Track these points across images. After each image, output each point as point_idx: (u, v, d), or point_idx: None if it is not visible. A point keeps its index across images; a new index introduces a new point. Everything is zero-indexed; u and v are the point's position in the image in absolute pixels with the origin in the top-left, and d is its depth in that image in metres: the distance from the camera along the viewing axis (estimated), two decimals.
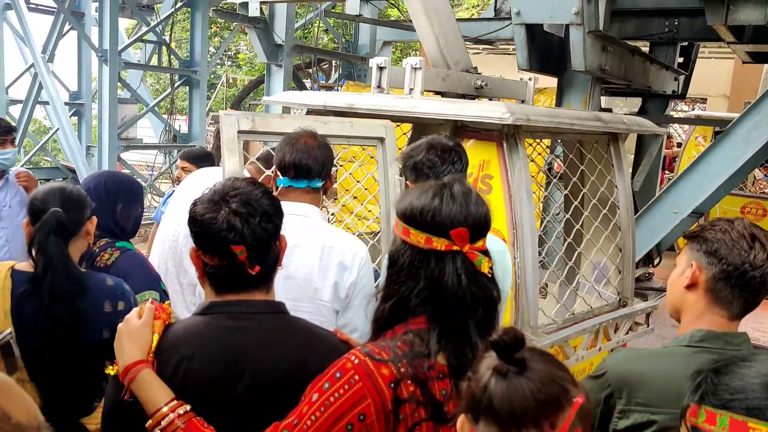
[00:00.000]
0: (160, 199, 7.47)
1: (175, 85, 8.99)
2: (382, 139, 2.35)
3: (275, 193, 1.91)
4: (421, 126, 3.63)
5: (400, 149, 2.37)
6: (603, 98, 6.30)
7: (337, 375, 1.20)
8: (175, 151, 8.90)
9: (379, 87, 2.82)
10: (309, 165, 1.89)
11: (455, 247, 1.23)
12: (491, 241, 2.04)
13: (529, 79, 3.30)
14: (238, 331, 1.33)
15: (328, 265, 1.84)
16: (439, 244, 1.23)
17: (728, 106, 9.77)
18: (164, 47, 8.88)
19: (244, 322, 1.34)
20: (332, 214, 3.73)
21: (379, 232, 2.42)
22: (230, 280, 1.35)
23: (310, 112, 2.86)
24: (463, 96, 3.08)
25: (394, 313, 1.27)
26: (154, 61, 9.44)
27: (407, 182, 2.05)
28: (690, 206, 4.38)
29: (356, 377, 1.19)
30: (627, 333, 2.86)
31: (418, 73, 2.75)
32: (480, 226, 1.28)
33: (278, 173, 1.94)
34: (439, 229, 1.23)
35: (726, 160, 4.01)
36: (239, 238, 1.30)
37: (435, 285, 1.24)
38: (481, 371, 0.95)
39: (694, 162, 4.07)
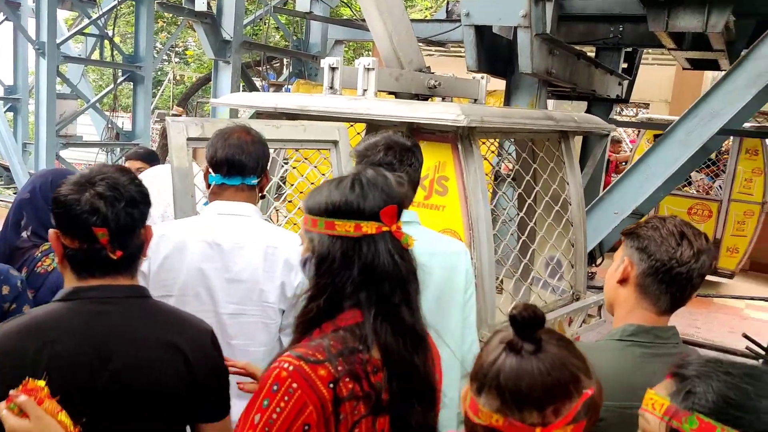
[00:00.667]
0: None
1: (119, 80, 8.70)
2: (335, 142, 2.32)
3: (207, 192, 1.87)
4: (375, 126, 3.61)
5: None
6: (549, 101, 6.43)
7: (275, 388, 1.17)
8: (118, 149, 8.62)
9: (331, 88, 2.79)
10: (243, 161, 1.81)
11: (385, 228, 1.27)
12: (450, 243, 2.08)
13: (482, 78, 3.32)
14: (105, 316, 1.32)
15: (273, 265, 1.80)
16: (369, 227, 1.26)
17: (669, 110, 10.14)
18: (107, 41, 8.58)
19: (110, 307, 1.33)
20: (285, 217, 3.67)
21: None
22: (91, 264, 1.34)
23: (259, 114, 2.80)
24: (416, 96, 3.08)
25: (326, 309, 1.27)
26: (96, 56, 9.12)
27: None
28: (630, 207, 4.50)
29: (294, 385, 1.16)
30: (581, 326, 2.92)
31: (371, 74, 2.72)
32: (401, 205, 1.33)
33: (210, 170, 1.86)
34: (366, 213, 1.26)
35: (665, 162, 4.13)
36: (101, 221, 1.30)
37: (370, 269, 1.26)
38: (494, 343, 0.94)
39: (635, 164, 4.18)
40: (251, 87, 9.85)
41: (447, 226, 2.43)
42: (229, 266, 1.77)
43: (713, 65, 6.14)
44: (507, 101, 4.36)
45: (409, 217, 1.94)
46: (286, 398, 1.16)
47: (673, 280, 1.47)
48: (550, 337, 0.95)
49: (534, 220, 2.86)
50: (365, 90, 2.73)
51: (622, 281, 1.52)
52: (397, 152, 1.92)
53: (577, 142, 6.66)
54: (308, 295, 1.30)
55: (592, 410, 0.93)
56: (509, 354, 0.92)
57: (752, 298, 6.39)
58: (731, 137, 7.31)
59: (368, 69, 2.72)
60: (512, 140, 3.18)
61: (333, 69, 2.78)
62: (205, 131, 2.01)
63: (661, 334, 1.49)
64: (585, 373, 0.94)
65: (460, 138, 2.41)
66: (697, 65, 6.32)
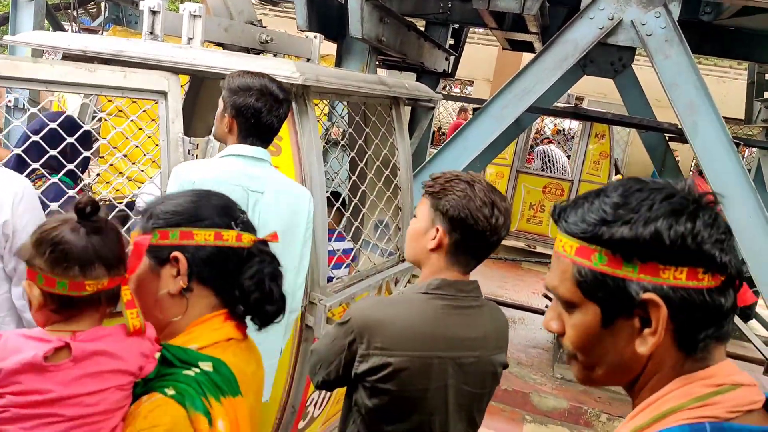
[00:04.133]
0: None
1: None
2: (164, 93, 2.13)
3: None
4: (199, 80, 3.40)
5: None
6: (380, 70, 6.54)
7: None
8: None
9: (151, 33, 2.54)
10: None
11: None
12: (297, 186, 2.16)
13: (315, 37, 3.26)
14: None
15: None
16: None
17: (491, 89, 10.85)
18: None
19: None
20: (98, 174, 3.34)
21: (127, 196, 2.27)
22: None
23: (66, 57, 2.49)
24: (247, 50, 2.93)
25: None
26: None
27: (225, 113, 2.02)
28: None
29: None
30: (405, 285, 3.04)
31: (197, 21, 2.53)
32: None
33: None
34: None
35: (481, 135, 4.39)
36: None
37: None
38: (60, 225, 1.09)
39: (454, 136, 4.40)
40: (59, 31, 8.78)
41: None
42: None
43: (529, 47, 6.65)
44: (338, 65, 4.35)
45: (262, 154, 2.02)
46: None
47: (486, 248, 1.57)
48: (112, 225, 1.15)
49: (365, 184, 2.89)
50: (190, 38, 2.53)
51: (435, 249, 1.57)
52: (269, 101, 1.97)
53: (406, 113, 6.89)
54: None
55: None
56: (71, 231, 1.08)
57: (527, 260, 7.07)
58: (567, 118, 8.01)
59: (195, 15, 2.52)
60: (345, 103, 3.17)
61: (154, 13, 2.54)
62: (2, 69, 1.77)
63: (464, 287, 1.59)
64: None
65: (295, 97, 2.34)
66: (516, 46, 6.81)
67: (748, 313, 6.28)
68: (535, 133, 9.88)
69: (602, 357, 0.84)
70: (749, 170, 6.38)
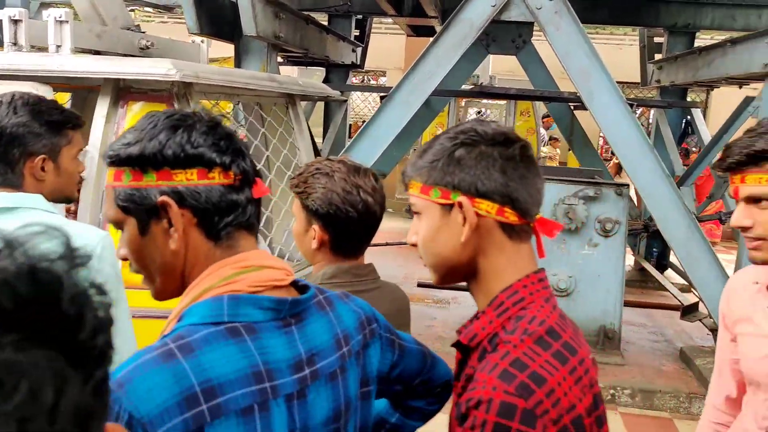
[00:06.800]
0: None
1: None
2: None
3: None
4: (82, 92, 3.24)
5: None
6: (287, 68, 6.46)
7: None
8: None
9: (15, 44, 2.40)
10: None
11: None
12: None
13: (202, 42, 3.17)
14: None
15: None
16: None
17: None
18: None
19: None
20: None
21: None
22: None
23: None
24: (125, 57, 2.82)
25: None
26: None
27: None
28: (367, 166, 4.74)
29: None
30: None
31: (65, 27, 2.40)
32: None
33: None
34: None
35: (390, 124, 4.37)
36: None
37: None
38: None
39: (366, 125, 4.36)
40: None
41: None
42: None
43: (432, 32, 6.71)
44: (237, 66, 4.25)
45: (11, 201, 1.49)
46: None
47: (367, 228, 1.54)
48: None
49: (267, 185, 2.82)
50: (59, 46, 2.40)
51: (319, 247, 1.54)
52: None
53: (320, 109, 6.84)
54: None
55: None
56: None
57: None
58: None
59: (60, 21, 2.39)
60: (239, 104, 3.09)
61: (16, 21, 2.39)
62: None
63: (359, 271, 1.56)
64: None
65: (177, 97, 2.25)
66: (420, 32, 6.86)
67: (663, 264, 6.57)
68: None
69: (152, 263, 0.92)
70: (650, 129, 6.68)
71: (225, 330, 0.85)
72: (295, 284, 0.98)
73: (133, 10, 9.00)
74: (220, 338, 0.84)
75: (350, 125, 7.75)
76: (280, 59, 5.93)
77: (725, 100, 8.12)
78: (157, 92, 2.33)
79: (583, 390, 0.93)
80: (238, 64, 4.23)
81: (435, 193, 0.98)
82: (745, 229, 1.27)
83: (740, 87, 5.68)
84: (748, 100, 4.93)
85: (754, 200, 1.25)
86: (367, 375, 1.04)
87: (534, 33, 5.64)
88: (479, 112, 10.37)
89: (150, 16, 10.11)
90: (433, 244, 1.01)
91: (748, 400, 1.40)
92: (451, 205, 0.97)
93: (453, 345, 1.04)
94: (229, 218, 0.91)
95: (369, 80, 12.15)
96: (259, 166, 2.72)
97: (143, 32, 2.98)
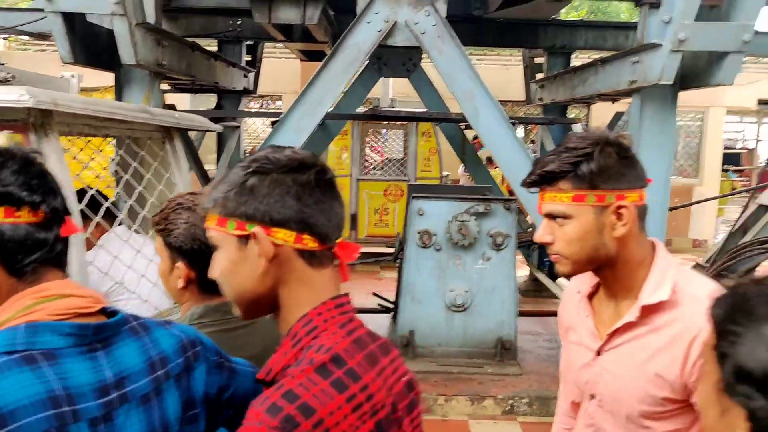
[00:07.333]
0: None
1: None
2: None
3: None
4: None
5: None
6: (176, 95, 6.29)
7: None
8: None
9: None
10: None
11: None
12: None
13: (72, 76, 3.01)
14: None
15: None
16: None
17: None
18: None
19: None
20: None
21: None
22: None
23: None
24: None
25: None
26: None
27: None
28: None
29: None
30: None
31: None
32: None
33: None
34: None
35: None
36: None
37: None
38: None
39: (259, 150, 4.34)
40: None
41: None
42: None
43: (324, 56, 6.75)
44: (118, 97, 4.08)
45: None
46: None
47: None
48: None
49: (137, 223, 2.70)
50: None
51: (186, 286, 1.50)
52: None
53: (213, 138, 6.69)
54: None
55: None
56: None
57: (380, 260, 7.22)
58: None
59: None
60: (110, 137, 2.96)
61: None
62: None
63: (229, 309, 1.52)
64: None
65: (34, 127, 2.11)
66: (311, 56, 6.88)
67: (555, 273, 6.87)
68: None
69: None
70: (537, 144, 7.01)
71: (19, 358, 0.85)
72: (104, 311, 0.98)
73: (6, 38, 8.49)
74: (13, 366, 0.84)
75: (246, 151, 7.62)
76: (167, 86, 5.76)
77: (603, 115, 8.68)
78: (11, 122, 2.17)
79: (362, 418, 0.91)
80: (119, 93, 4.06)
81: (231, 225, 0.96)
82: (547, 244, 1.31)
83: (613, 102, 6.08)
84: (618, 115, 5.28)
85: (552, 217, 1.27)
86: (192, 397, 1.05)
87: (423, 57, 5.80)
88: (379, 133, 10.52)
89: (25, 45, 9.57)
90: (233, 277, 0.98)
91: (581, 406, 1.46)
92: (248, 237, 0.95)
93: (255, 382, 1.03)
94: (34, 256, 0.92)
95: (268, 104, 12.05)
96: (130, 201, 2.61)
97: (2, 63, 2.79)
